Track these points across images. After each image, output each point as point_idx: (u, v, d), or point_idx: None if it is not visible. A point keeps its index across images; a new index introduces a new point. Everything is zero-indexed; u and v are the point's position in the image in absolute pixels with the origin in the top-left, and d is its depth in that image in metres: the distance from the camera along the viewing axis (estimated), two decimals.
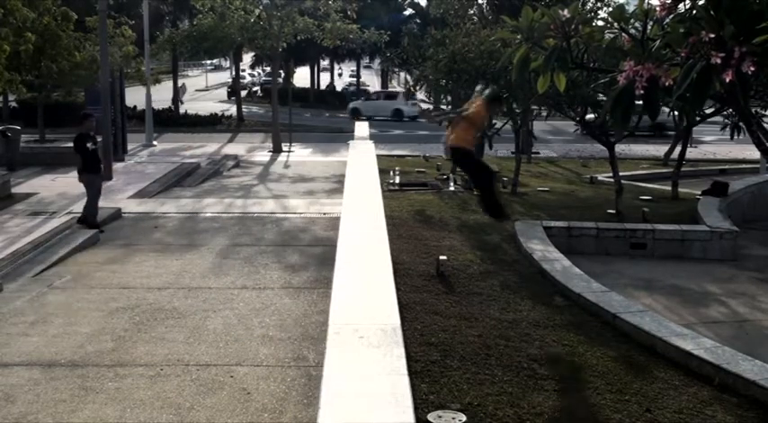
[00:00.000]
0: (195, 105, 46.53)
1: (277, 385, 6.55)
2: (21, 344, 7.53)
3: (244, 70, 62.49)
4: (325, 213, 14.23)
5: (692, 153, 23.20)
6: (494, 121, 17.31)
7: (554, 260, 10.41)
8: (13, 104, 32.13)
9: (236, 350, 7.36)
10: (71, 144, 13.00)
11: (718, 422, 5.95)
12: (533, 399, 6.14)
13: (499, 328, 7.84)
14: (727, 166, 23.79)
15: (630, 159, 25.29)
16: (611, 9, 11.45)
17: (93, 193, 12.52)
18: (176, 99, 40.61)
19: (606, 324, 8.17)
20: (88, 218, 12.42)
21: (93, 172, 12.61)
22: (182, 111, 40.46)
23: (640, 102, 3.22)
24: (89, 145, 12.63)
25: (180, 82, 52.64)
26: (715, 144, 30.12)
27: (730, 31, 2.84)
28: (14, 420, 5.92)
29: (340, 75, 72.72)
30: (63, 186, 15.60)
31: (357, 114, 41.32)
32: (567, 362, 7.00)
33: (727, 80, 2.84)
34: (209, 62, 79.26)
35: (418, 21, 47.55)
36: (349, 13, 25.83)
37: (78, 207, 12.97)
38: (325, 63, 65.01)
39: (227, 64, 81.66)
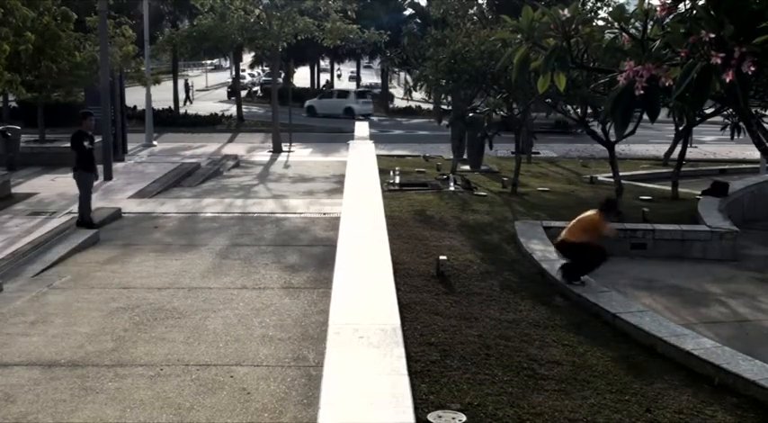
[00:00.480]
0: (195, 105, 46.61)
1: (277, 385, 6.55)
2: (21, 344, 7.53)
3: (244, 70, 62.39)
4: (325, 213, 14.23)
5: (692, 153, 23.19)
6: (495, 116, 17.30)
7: (554, 260, 10.41)
8: (13, 104, 32.10)
9: (236, 350, 7.36)
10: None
11: (718, 422, 5.95)
12: (533, 399, 6.14)
13: (499, 328, 7.85)
14: (727, 166, 23.79)
15: (630, 159, 25.30)
16: (611, 9, 11.45)
17: (85, 192, 12.55)
18: (177, 99, 40.59)
19: (606, 324, 8.18)
20: (83, 216, 12.45)
21: (87, 170, 12.64)
22: (182, 111, 40.46)
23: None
24: (86, 143, 12.67)
25: (189, 81, 52.92)
26: (715, 144, 30.11)
27: (730, 31, 2.84)
28: (14, 420, 5.92)
29: (339, 76, 72.50)
30: (63, 186, 15.60)
31: (312, 112, 42.47)
32: (567, 362, 7.00)
33: (728, 80, 2.84)
34: (209, 62, 79.24)
35: (418, 21, 47.45)
36: (349, 13, 25.81)
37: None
38: (325, 63, 65.01)
39: (227, 64, 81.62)
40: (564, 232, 10.00)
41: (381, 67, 53.32)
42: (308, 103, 44.46)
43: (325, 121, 39.82)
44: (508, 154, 24.45)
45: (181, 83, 45.27)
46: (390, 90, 51.82)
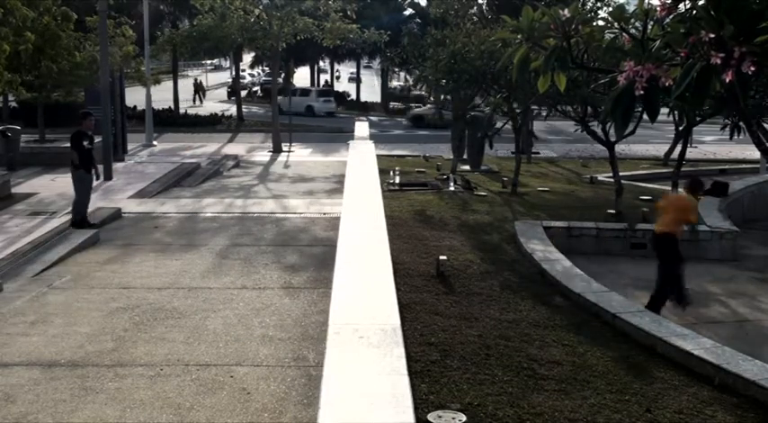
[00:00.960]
0: (188, 105, 46.56)
1: (277, 385, 6.55)
2: (21, 344, 7.53)
3: (244, 70, 62.43)
4: (325, 213, 14.23)
5: (692, 153, 23.19)
6: (494, 121, 17.33)
7: (554, 260, 10.42)
8: (13, 104, 32.09)
9: (236, 350, 7.36)
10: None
11: (718, 422, 5.95)
12: (533, 399, 6.14)
13: (499, 328, 7.85)
14: (727, 166, 23.79)
15: (630, 159, 25.29)
16: (611, 9, 11.45)
17: (84, 192, 12.54)
18: (177, 99, 40.60)
19: (606, 324, 8.17)
20: (75, 216, 12.43)
21: (86, 170, 12.63)
22: (181, 111, 40.46)
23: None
24: (85, 143, 12.67)
25: (198, 80, 53.10)
26: (715, 144, 30.11)
27: (730, 31, 2.83)
28: (14, 420, 5.92)
29: (338, 77, 72.31)
30: (63, 186, 15.59)
31: (278, 109, 43.28)
32: (567, 362, 7.00)
33: (727, 80, 2.84)
34: (209, 62, 79.21)
35: (418, 21, 47.50)
36: (349, 13, 25.81)
37: None
38: (325, 63, 64.97)
39: (227, 64, 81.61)
40: (657, 224, 9.94)
41: (381, 67, 53.33)
42: None
43: (326, 121, 39.95)
44: (508, 154, 24.46)
45: (184, 82, 45.36)
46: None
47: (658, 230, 9.84)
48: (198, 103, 49.65)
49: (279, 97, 45.60)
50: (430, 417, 5.69)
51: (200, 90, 51.56)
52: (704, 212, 13.80)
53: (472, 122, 19.34)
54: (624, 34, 3.40)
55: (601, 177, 19.80)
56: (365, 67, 78.26)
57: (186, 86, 50.82)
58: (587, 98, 14.29)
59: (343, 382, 3.37)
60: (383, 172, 14.74)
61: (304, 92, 46.83)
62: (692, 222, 9.69)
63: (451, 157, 21.19)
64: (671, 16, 3.15)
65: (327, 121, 40.62)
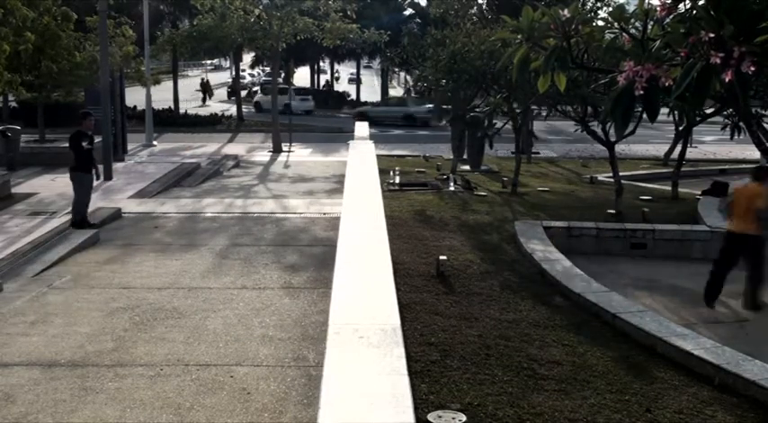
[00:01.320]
0: (195, 105, 46.56)
1: (277, 385, 6.55)
2: (21, 344, 7.53)
3: (244, 70, 62.42)
4: (325, 213, 14.23)
5: (692, 153, 23.18)
6: (494, 121, 17.33)
7: (554, 260, 10.42)
8: (13, 104, 32.09)
9: (236, 350, 7.36)
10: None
11: (718, 422, 5.95)
12: (533, 399, 6.14)
13: (499, 328, 7.85)
14: (727, 166, 23.77)
15: (630, 159, 25.29)
16: (611, 9, 11.45)
17: (84, 192, 12.52)
18: (177, 99, 40.58)
19: (606, 324, 8.18)
20: (75, 217, 12.42)
21: (85, 171, 12.61)
22: (182, 111, 40.45)
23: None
24: (84, 144, 12.65)
25: (204, 78, 53.12)
26: (715, 144, 30.11)
27: (730, 31, 2.84)
28: (14, 420, 5.92)
29: (337, 78, 72.17)
30: (63, 186, 15.57)
31: (259, 108, 44.93)
32: (567, 362, 7.00)
33: (727, 80, 2.84)
34: (209, 62, 79.20)
35: (418, 21, 47.56)
36: (349, 13, 25.82)
37: None
38: (325, 64, 64.98)
39: (227, 64, 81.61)
40: (734, 222, 9.94)
41: (381, 67, 53.37)
42: (255, 98, 48.27)
43: (325, 121, 39.96)
44: (508, 154, 24.45)
45: (184, 82, 45.35)
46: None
47: (737, 229, 9.91)
48: (206, 101, 49.69)
49: (260, 95, 46.11)
50: (430, 417, 5.69)
51: (207, 89, 51.64)
52: (704, 212, 13.81)
53: (472, 122, 19.34)
54: (624, 34, 3.40)
55: (601, 177, 19.79)
56: (365, 67, 78.24)
57: (186, 86, 50.78)
58: (587, 98, 14.30)
59: (343, 382, 3.37)
60: (383, 172, 14.74)
61: (281, 91, 47.27)
62: (760, 208, 9.73)
63: (451, 157, 21.19)
64: (671, 16, 3.15)
65: (329, 120, 40.60)
